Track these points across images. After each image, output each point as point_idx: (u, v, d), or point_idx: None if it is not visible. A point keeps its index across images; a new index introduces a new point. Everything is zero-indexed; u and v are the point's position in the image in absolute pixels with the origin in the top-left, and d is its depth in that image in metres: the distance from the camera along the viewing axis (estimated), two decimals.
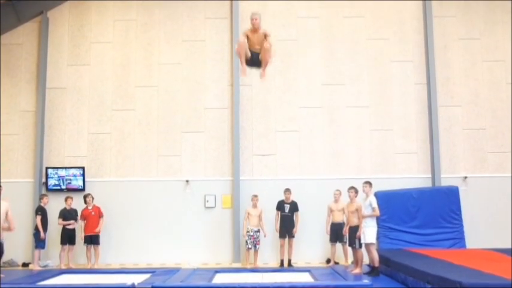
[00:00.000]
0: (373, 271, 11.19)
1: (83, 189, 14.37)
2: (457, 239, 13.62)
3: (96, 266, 13.47)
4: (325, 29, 15.35)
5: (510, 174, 14.57)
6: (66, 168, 14.61)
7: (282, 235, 13.58)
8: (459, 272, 8.83)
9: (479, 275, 8.55)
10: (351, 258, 12.68)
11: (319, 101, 15.05)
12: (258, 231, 13.59)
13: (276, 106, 15.03)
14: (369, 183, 11.45)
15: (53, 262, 13.96)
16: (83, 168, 14.58)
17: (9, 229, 9.96)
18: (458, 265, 9.66)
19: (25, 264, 14.06)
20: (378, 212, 11.23)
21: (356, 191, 11.68)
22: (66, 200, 13.78)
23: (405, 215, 13.78)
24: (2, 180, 13.58)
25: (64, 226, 13.57)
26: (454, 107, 15.03)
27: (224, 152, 14.85)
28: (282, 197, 13.69)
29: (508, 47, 15.17)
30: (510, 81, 15.04)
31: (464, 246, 13.56)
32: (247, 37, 8.46)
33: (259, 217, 13.60)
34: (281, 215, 13.62)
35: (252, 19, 8.38)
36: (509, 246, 12.52)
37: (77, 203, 13.88)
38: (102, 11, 15.40)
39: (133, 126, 14.99)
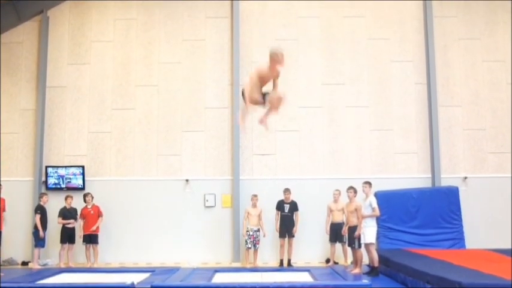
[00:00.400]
0: (372, 271, 11.18)
1: (82, 188, 14.38)
2: (457, 239, 13.63)
3: (95, 265, 13.47)
4: (325, 28, 15.34)
5: (510, 175, 14.57)
6: (66, 167, 14.62)
7: (281, 235, 13.58)
8: (459, 272, 8.83)
9: (478, 276, 8.55)
10: (350, 258, 12.69)
11: (319, 100, 15.05)
12: (258, 230, 13.59)
13: None
14: (368, 183, 11.44)
15: (52, 261, 13.97)
16: (83, 167, 14.58)
17: None
18: (457, 265, 9.66)
19: (25, 263, 14.07)
20: (378, 212, 11.22)
21: (355, 191, 11.69)
22: (66, 199, 13.79)
23: (405, 215, 13.78)
24: (1, 179, 13.61)
25: (64, 225, 13.57)
26: (454, 107, 15.03)
27: (224, 152, 14.85)
28: (282, 197, 13.69)
29: (508, 47, 15.16)
30: (510, 82, 15.03)
31: (463, 246, 13.56)
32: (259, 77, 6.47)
33: (259, 217, 13.60)
34: (281, 215, 13.62)
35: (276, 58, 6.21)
36: (509, 247, 12.52)
37: (77, 202, 13.89)
38: (102, 10, 15.40)
39: (134, 125, 15.00)
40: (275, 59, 6.22)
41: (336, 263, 13.39)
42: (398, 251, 12.41)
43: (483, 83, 15.13)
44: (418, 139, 14.90)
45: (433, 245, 13.31)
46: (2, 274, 11.37)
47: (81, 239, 13.61)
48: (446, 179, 14.48)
